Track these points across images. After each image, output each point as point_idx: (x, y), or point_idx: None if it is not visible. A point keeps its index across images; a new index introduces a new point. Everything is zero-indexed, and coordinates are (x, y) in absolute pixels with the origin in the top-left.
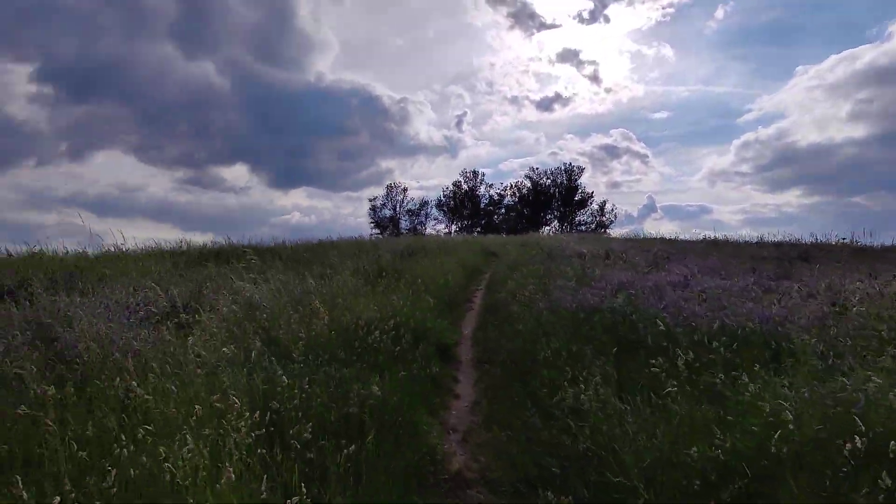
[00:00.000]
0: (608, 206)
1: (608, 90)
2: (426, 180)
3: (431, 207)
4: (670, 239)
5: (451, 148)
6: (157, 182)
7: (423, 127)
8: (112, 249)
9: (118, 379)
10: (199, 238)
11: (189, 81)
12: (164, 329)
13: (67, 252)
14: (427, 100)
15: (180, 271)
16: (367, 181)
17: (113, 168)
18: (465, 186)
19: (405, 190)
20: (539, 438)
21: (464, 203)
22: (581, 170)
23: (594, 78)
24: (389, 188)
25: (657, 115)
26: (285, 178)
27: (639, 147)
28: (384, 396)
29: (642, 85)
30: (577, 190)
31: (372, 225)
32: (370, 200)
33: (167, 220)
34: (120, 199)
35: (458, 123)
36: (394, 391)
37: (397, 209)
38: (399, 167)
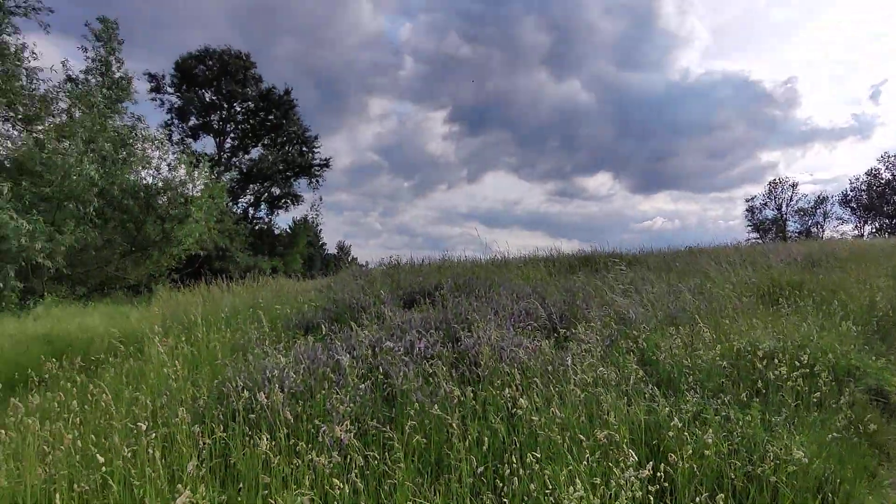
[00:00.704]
0: None
1: None
2: (823, 172)
3: (833, 204)
4: None
5: (861, 128)
6: (531, 195)
7: (820, 107)
8: (497, 256)
9: (507, 389)
10: (566, 245)
11: (558, 102)
12: (543, 341)
13: (465, 259)
14: (826, 74)
15: (553, 278)
16: (740, 179)
17: (498, 186)
18: (885, 175)
19: (794, 185)
20: None
21: (884, 197)
22: None
23: None
24: (772, 184)
25: None
26: (647, 182)
27: None
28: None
29: None
30: None
31: (749, 228)
32: (747, 201)
33: (538, 229)
34: (503, 212)
35: (874, 95)
36: (816, 452)
37: (783, 209)
38: (785, 159)
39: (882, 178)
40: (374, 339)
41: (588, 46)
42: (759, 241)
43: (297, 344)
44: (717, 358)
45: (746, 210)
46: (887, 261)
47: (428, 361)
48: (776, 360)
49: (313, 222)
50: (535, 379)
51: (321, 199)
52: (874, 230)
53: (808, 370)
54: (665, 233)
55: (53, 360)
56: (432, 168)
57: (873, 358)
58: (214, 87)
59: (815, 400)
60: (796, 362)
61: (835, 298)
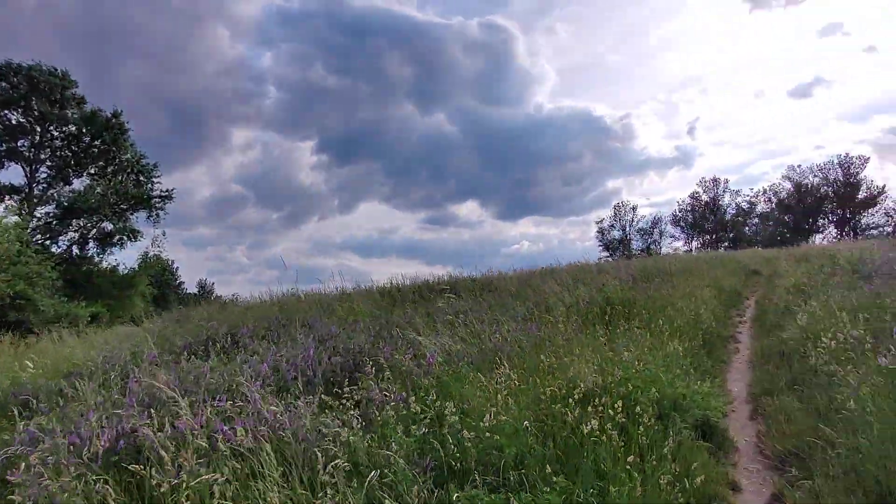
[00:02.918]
0: None
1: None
2: (657, 196)
3: (666, 224)
4: None
5: (684, 158)
6: (406, 224)
7: (651, 140)
8: (349, 288)
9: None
10: (441, 271)
11: (426, 133)
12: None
13: (311, 293)
14: (653, 111)
15: (387, 311)
16: (592, 204)
17: (372, 215)
18: (704, 197)
19: (634, 208)
20: None
21: (704, 216)
22: (864, 160)
23: (869, 49)
24: (616, 208)
25: None
26: (512, 209)
27: None
28: None
29: None
30: (860, 186)
31: (600, 248)
32: (597, 223)
33: (415, 256)
34: (379, 242)
35: (691, 130)
36: None
37: (627, 229)
38: (626, 186)
39: (702, 200)
40: None
41: (451, 81)
42: (609, 259)
43: None
44: (524, 413)
45: (597, 231)
46: (710, 272)
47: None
48: (593, 405)
49: (154, 259)
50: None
51: (164, 235)
52: (700, 245)
53: (628, 413)
54: (532, 255)
55: None
56: (302, 199)
57: (699, 382)
58: (22, 107)
59: (634, 455)
60: (616, 405)
61: (663, 315)
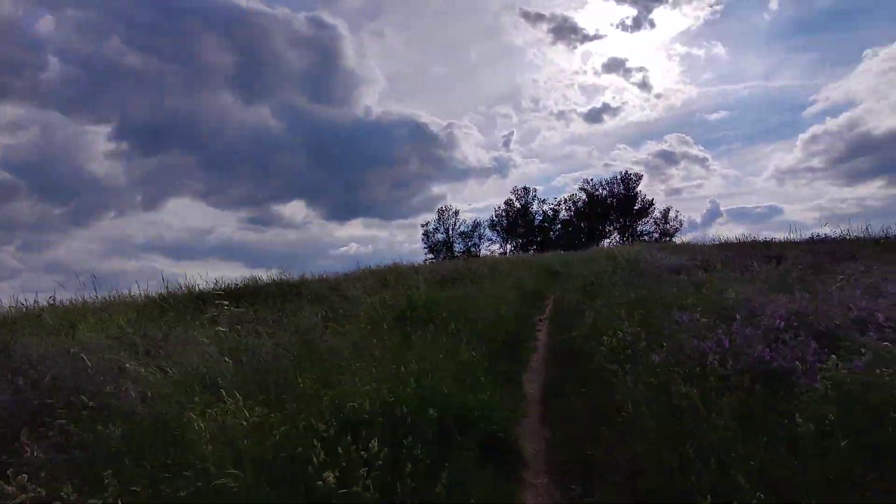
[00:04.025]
0: (671, 214)
1: (659, 96)
2: (478, 202)
3: (485, 228)
4: (729, 243)
5: (500, 168)
6: (225, 223)
7: (472, 150)
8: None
9: None
10: (265, 274)
11: (248, 126)
12: None
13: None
14: (473, 123)
15: (158, 322)
16: (420, 208)
17: (185, 214)
18: (517, 204)
19: (456, 213)
20: None
21: (517, 221)
22: (639, 177)
23: (643, 85)
24: (440, 212)
25: (714, 116)
26: (341, 210)
27: (697, 151)
28: None
29: (695, 87)
30: (637, 199)
31: (426, 250)
32: (422, 226)
33: (236, 259)
34: (193, 243)
35: (506, 143)
36: None
37: (450, 232)
38: (451, 192)
39: (515, 207)
40: None
41: (276, 75)
42: (434, 260)
43: None
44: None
45: (423, 234)
46: (516, 273)
47: None
48: (370, 420)
49: None
50: None
51: None
52: (513, 248)
53: (403, 426)
54: (360, 257)
55: None
56: (94, 192)
57: (489, 392)
58: None
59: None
60: (391, 421)
61: (464, 317)
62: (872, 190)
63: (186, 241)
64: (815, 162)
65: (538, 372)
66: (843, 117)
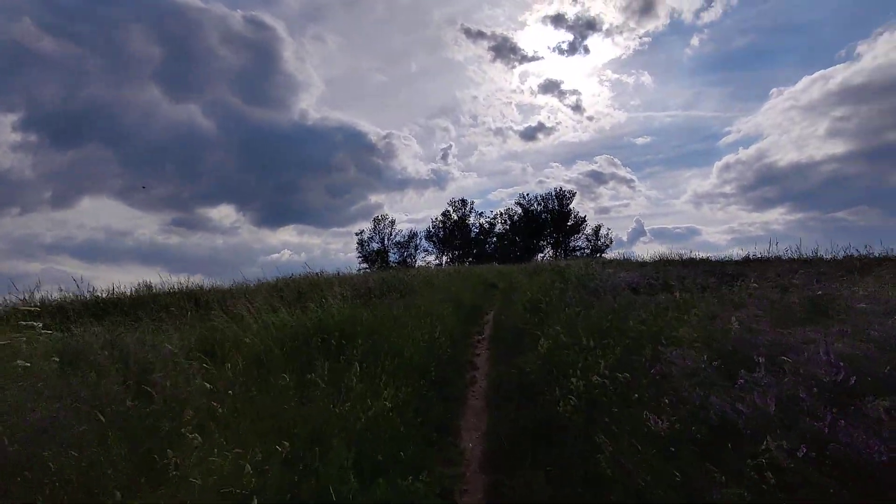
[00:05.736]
0: (602, 231)
1: (591, 118)
2: (416, 213)
3: (421, 239)
4: (671, 259)
5: (438, 180)
6: (145, 225)
7: (410, 161)
8: None
9: None
10: (187, 280)
11: (174, 123)
12: None
13: None
14: (412, 134)
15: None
16: (356, 216)
17: (100, 213)
18: (454, 216)
19: (393, 222)
20: None
21: (454, 233)
22: (572, 194)
23: (576, 107)
24: (376, 221)
25: (640, 141)
26: (273, 216)
27: (624, 172)
28: None
29: (624, 112)
30: (570, 215)
31: (360, 259)
32: (357, 234)
33: (157, 263)
34: (108, 244)
35: (445, 156)
36: None
37: (385, 242)
38: (388, 201)
39: (452, 219)
40: None
41: (207, 72)
42: (368, 270)
43: None
44: None
45: (358, 243)
46: (452, 285)
47: None
48: None
49: None
50: None
51: None
52: (449, 259)
53: None
54: (292, 265)
55: None
56: None
57: (412, 477)
58: None
59: None
60: None
61: (388, 342)
62: (775, 216)
63: (101, 243)
64: (728, 188)
65: (479, 414)
66: (753, 148)
